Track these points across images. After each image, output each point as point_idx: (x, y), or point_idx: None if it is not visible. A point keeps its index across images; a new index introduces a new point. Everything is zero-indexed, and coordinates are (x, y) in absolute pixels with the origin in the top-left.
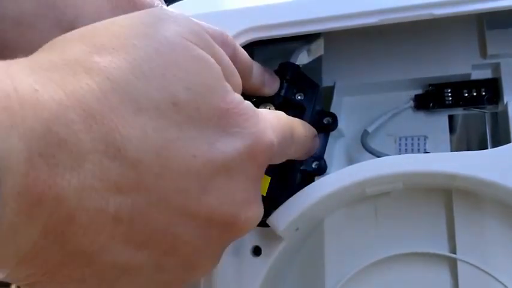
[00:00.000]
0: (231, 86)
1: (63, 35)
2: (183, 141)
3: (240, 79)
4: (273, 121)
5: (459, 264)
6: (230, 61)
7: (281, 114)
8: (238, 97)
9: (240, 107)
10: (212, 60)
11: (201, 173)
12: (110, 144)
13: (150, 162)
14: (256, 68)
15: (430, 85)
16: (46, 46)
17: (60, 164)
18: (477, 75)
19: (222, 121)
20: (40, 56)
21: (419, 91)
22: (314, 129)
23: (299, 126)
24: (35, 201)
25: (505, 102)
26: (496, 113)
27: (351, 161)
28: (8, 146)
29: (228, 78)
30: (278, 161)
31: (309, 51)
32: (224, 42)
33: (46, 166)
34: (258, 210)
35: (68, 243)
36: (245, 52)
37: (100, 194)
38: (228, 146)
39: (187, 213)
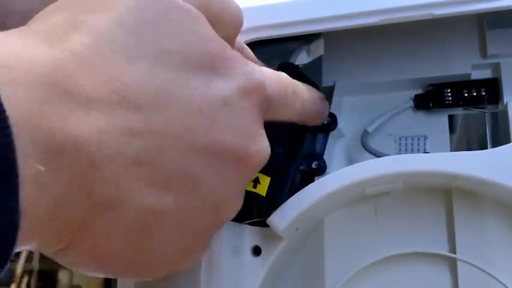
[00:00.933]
0: (219, 33)
1: (44, 9)
2: (179, 82)
3: (229, 29)
4: (266, 71)
5: (459, 264)
6: (216, 10)
7: (282, 73)
8: (227, 44)
9: (229, 52)
10: (194, 9)
11: (202, 110)
12: (111, 92)
13: (152, 104)
14: None
15: (430, 85)
16: (29, 21)
17: (71, 112)
18: (477, 75)
19: (213, 64)
20: (24, 27)
21: (419, 91)
22: (320, 93)
23: (302, 86)
24: (56, 150)
25: (505, 102)
26: (496, 113)
27: (351, 161)
28: (15, 100)
29: (214, 26)
30: (286, 112)
31: (308, 51)
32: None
33: (57, 115)
34: (265, 144)
35: (94, 191)
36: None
37: (116, 137)
38: (223, 84)
39: (198, 150)
